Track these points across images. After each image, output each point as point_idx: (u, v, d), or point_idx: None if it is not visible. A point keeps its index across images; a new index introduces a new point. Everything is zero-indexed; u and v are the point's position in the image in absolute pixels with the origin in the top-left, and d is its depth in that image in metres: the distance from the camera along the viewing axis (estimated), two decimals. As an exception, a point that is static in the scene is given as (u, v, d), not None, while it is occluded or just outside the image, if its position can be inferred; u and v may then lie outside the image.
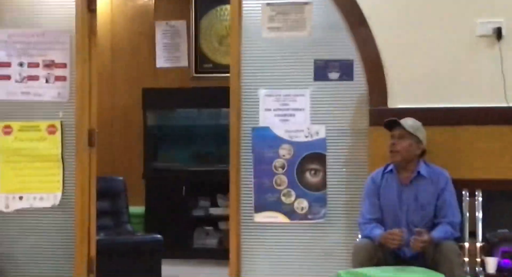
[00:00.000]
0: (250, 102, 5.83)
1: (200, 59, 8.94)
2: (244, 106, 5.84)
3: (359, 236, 5.17)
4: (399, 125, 5.06)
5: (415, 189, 5.03)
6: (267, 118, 5.82)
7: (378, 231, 4.93)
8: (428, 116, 5.25)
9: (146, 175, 8.99)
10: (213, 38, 8.90)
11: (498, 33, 5.37)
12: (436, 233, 4.87)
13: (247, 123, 5.83)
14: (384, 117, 5.29)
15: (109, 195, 7.37)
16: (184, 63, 8.82)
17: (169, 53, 8.74)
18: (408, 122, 5.08)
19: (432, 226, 4.95)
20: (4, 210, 6.05)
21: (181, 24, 8.78)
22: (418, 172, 5.03)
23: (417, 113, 5.26)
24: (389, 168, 5.12)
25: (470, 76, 5.45)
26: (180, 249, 8.56)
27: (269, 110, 5.81)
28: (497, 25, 5.39)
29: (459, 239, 5.04)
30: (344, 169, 5.67)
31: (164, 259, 7.32)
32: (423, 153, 5.10)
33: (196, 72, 8.96)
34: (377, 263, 4.81)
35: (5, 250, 6.07)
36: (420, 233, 4.78)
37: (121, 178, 7.72)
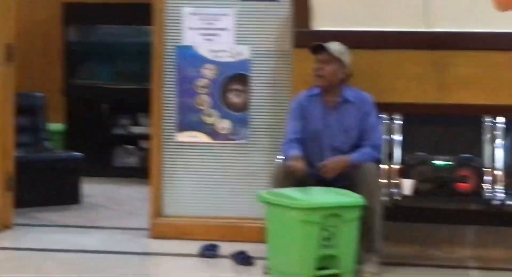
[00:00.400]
0: (174, 20, 5.76)
1: (124, -26, 8.75)
2: (168, 24, 5.76)
3: (279, 157, 5.21)
4: (325, 49, 5.06)
5: (340, 113, 5.07)
6: (191, 37, 5.76)
7: (293, 152, 4.97)
8: (351, 40, 5.25)
9: (66, 92, 8.86)
10: (137, -47, 8.71)
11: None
12: (356, 155, 4.94)
13: (170, 42, 5.77)
14: (308, 39, 5.28)
15: (27, 112, 7.25)
16: (107, -22, 8.64)
17: (91, -33, 8.55)
18: (334, 47, 5.08)
19: (356, 149, 5.02)
20: None
21: None
22: (344, 97, 5.07)
23: (340, 36, 5.25)
24: (315, 91, 5.14)
25: (393, 0, 5.47)
26: (100, 167, 8.54)
27: (193, 29, 5.75)
28: None
29: (381, 161, 5.13)
30: (269, 91, 5.69)
31: (83, 177, 7.28)
32: (347, 77, 5.13)
33: (120, -13, 8.77)
34: (299, 184, 4.86)
35: None
36: (323, 166, 4.86)
37: (40, 94, 7.59)
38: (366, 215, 4.72)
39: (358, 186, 4.78)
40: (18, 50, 6.08)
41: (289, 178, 4.86)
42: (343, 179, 4.91)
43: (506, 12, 1.88)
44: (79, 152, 7.37)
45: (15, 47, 5.98)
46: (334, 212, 4.60)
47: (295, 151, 4.95)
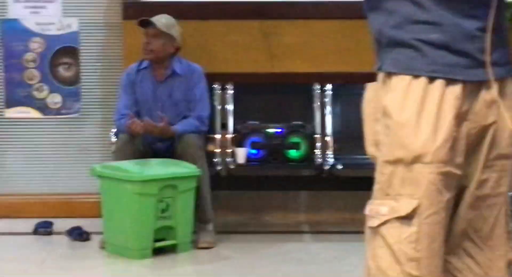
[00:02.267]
0: (-3, -7, 5.58)
1: None
2: (-9, -4, 5.57)
3: (113, 130, 5.16)
4: (153, 24, 5.02)
5: (169, 86, 5.06)
6: (16, 10, 5.59)
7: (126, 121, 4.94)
8: (180, 10, 5.25)
9: None
10: None
11: None
12: (180, 125, 4.95)
13: (-5, 15, 5.59)
14: (137, 11, 5.24)
15: None
16: None
17: None
18: (162, 20, 5.03)
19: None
20: None
21: None
22: (173, 70, 5.06)
23: (168, 8, 5.24)
24: (144, 64, 5.11)
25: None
26: None
27: (19, 1, 5.58)
28: None
29: (210, 132, 5.17)
30: (99, 64, 5.60)
31: None
32: (177, 50, 5.12)
33: None
34: (138, 157, 4.84)
35: None
36: (160, 118, 4.85)
37: None
38: (195, 185, 4.75)
39: (181, 158, 4.80)
40: None
41: (131, 150, 4.82)
42: (172, 151, 4.92)
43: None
44: None
45: None
46: (170, 183, 4.61)
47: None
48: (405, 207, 1.96)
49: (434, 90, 1.96)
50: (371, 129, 2.06)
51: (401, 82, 1.98)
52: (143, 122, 4.85)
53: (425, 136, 1.95)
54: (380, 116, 2.01)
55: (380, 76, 2.04)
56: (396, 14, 1.99)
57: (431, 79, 1.97)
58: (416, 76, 1.97)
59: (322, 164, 5.17)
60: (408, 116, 1.95)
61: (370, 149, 2.07)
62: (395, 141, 1.98)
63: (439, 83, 1.97)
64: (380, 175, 2.01)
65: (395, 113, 1.97)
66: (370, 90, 2.08)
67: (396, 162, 1.98)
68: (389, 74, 2.01)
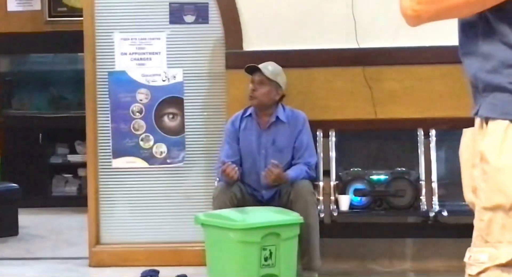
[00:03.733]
0: (105, 46, 5.74)
1: (54, 3, 8.70)
2: (99, 50, 5.73)
3: (217, 179, 5.21)
4: (260, 70, 5.09)
5: (273, 133, 5.09)
6: (124, 62, 5.74)
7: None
8: (283, 58, 5.30)
9: (2, 123, 8.75)
10: (67, -20, 8.68)
11: (349, -26, 5.46)
12: (291, 172, 4.96)
13: (103, 68, 5.74)
14: (240, 60, 5.31)
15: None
16: (37, 6, 8.58)
17: (21, -4, 8.48)
18: (269, 68, 5.10)
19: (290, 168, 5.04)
20: None
21: (33, -33, 8.52)
22: (277, 117, 5.10)
23: (272, 56, 5.30)
24: (248, 112, 5.16)
25: (322, 17, 5.53)
26: (38, 197, 8.42)
27: (125, 54, 5.74)
28: (348, -32, 5.47)
29: (315, 179, 5.16)
30: (205, 113, 5.68)
31: (21, 209, 7.18)
32: (282, 97, 5.16)
33: (50, 16, 8.71)
34: (237, 205, 4.87)
35: None
36: (275, 165, 4.87)
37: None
38: (303, 232, 4.73)
39: (293, 204, 4.80)
40: None
41: (230, 199, 4.85)
42: (277, 197, 4.92)
43: (420, 26, 1.93)
44: (16, 183, 7.27)
45: None
46: (273, 231, 4.60)
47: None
48: (505, 254, 1.92)
49: (532, 134, 1.92)
50: (469, 175, 2.02)
51: (498, 126, 1.94)
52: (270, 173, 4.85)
53: (524, 182, 1.90)
54: (478, 162, 1.98)
55: (477, 121, 2.01)
56: (491, 59, 1.96)
57: (529, 124, 1.92)
58: (514, 121, 1.93)
59: (427, 211, 5.09)
60: (506, 161, 1.91)
61: (468, 195, 2.03)
62: (493, 186, 1.93)
63: (537, 127, 1.92)
64: (479, 222, 1.97)
65: (493, 158, 1.93)
66: (467, 135, 2.05)
67: (495, 208, 1.93)
68: (486, 119, 1.98)
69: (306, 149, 5.07)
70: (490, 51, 1.96)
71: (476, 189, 1.99)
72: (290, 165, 5.03)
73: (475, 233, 1.98)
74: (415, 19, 2.02)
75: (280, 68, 5.14)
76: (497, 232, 1.93)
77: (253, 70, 5.11)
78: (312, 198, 4.88)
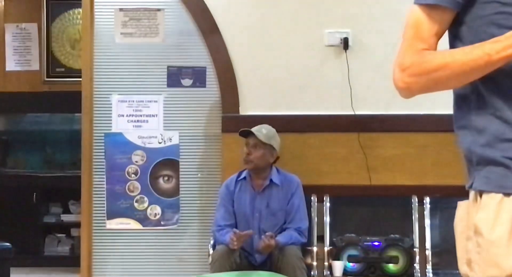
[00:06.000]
0: (102, 108, 5.78)
1: (52, 63, 8.75)
2: (97, 111, 5.78)
3: (211, 242, 5.21)
4: (254, 134, 5.12)
5: (267, 196, 5.11)
6: (120, 124, 5.78)
7: (228, 236, 4.98)
8: (278, 123, 5.34)
9: (-4, 182, 8.73)
10: (66, 42, 8.73)
11: (345, 43, 5.54)
12: (281, 238, 4.97)
13: (100, 129, 5.78)
14: (236, 124, 5.35)
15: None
16: (35, 66, 8.64)
17: (20, 57, 8.53)
18: (263, 131, 5.14)
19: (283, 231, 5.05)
20: None
21: (32, 27, 8.59)
22: (271, 180, 5.12)
23: (267, 120, 5.34)
24: (243, 175, 5.19)
25: (318, 84, 5.59)
26: (31, 257, 8.35)
27: (122, 116, 5.78)
28: (344, 36, 5.55)
29: (307, 244, 5.15)
30: (199, 175, 5.70)
31: (13, 268, 7.11)
32: (276, 160, 5.19)
33: (48, 76, 8.75)
34: (234, 269, 4.86)
35: None
36: (269, 237, 4.87)
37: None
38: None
39: (283, 269, 4.79)
40: None
41: (229, 262, 4.85)
42: (268, 262, 4.91)
43: (414, 97, 1.97)
44: (8, 242, 7.22)
45: None
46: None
47: (230, 233, 4.96)
48: None
49: (526, 208, 1.94)
50: (463, 248, 2.03)
51: (492, 200, 1.96)
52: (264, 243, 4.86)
53: (518, 255, 1.91)
54: (472, 234, 1.99)
55: (472, 194, 2.03)
56: (485, 133, 1.99)
57: (523, 197, 1.94)
58: (507, 194, 1.95)
59: (421, 279, 5.08)
60: (500, 234, 1.92)
61: (462, 268, 2.04)
62: (487, 259, 1.94)
63: (531, 201, 1.94)
64: (474, 295, 1.97)
65: (486, 231, 1.94)
66: (461, 208, 2.06)
67: (489, 281, 1.94)
68: (480, 192, 1.99)
69: (297, 212, 5.08)
70: (483, 125, 1.99)
71: (471, 262, 1.99)
72: (284, 228, 5.04)
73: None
74: (407, 91, 2.05)
75: (273, 130, 5.19)
76: (492, 305, 1.94)
77: (247, 134, 5.15)
78: (300, 263, 4.87)
